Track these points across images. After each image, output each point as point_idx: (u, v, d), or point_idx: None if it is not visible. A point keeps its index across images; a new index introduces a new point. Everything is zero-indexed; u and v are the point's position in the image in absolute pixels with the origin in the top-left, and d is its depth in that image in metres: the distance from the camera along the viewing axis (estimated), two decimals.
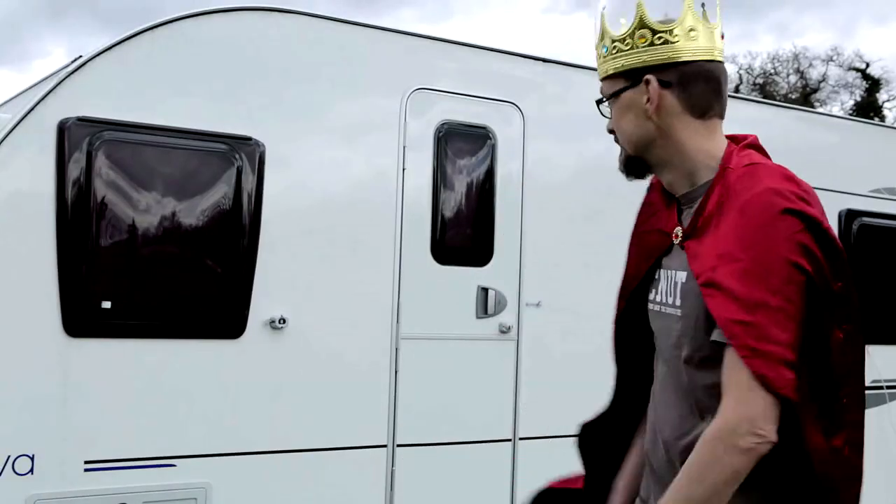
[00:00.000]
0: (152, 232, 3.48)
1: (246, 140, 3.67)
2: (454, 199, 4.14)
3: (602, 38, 1.89)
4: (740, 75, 33.20)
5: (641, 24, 1.82)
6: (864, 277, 5.40)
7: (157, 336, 3.50)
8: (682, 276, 1.81)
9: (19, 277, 3.28)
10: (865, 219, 5.43)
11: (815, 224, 1.66)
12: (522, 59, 4.39)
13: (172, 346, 3.53)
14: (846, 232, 5.35)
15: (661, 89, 1.83)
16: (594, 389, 4.48)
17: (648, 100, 1.83)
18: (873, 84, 31.52)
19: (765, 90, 31.59)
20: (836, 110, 30.23)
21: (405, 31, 4.10)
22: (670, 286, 1.86)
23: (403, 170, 4.01)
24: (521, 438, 4.20)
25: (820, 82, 32.58)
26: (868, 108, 30.11)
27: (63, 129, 3.34)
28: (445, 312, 4.09)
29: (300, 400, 3.75)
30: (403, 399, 3.97)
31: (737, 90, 30.73)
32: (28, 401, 3.29)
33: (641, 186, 3.77)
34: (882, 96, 31.67)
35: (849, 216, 5.37)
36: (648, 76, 1.81)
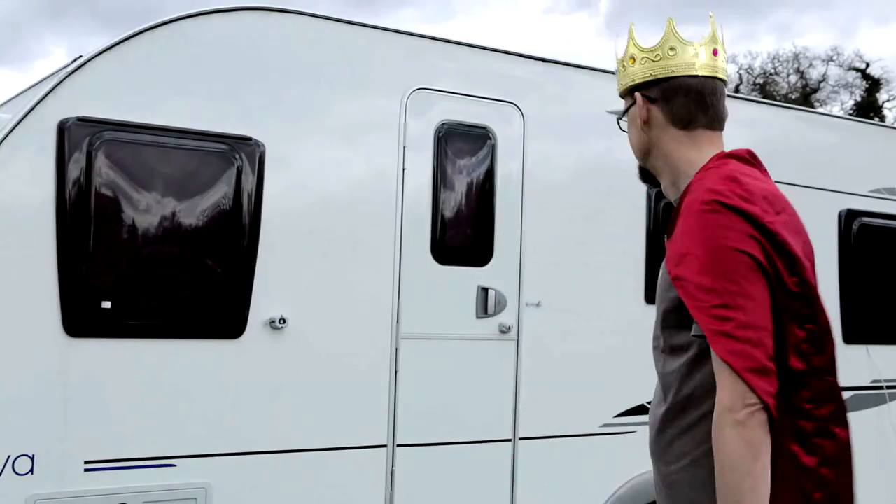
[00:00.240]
0: (152, 232, 3.48)
1: (246, 140, 3.67)
2: (454, 199, 4.14)
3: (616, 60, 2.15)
4: (740, 75, 33.20)
5: (631, 47, 2.08)
6: (864, 277, 5.40)
7: (157, 336, 3.50)
8: (664, 274, 1.96)
9: (19, 277, 3.28)
10: (865, 219, 5.43)
11: (753, 219, 1.80)
12: (522, 59, 4.39)
13: (172, 346, 3.53)
14: (846, 232, 5.35)
15: (648, 104, 2.09)
16: (594, 389, 4.51)
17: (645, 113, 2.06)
18: (873, 84, 31.52)
19: (765, 90, 31.59)
20: (836, 110, 30.24)
21: (405, 31, 4.10)
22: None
23: (403, 170, 4.01)
24: (521, 438, 4.20)
25: (820, 82, 32.59)
26: (868, 108, 30.11)
27: (63, 129, 3.34)
28: (445, 312, 4.09)
29: (300, 400, 3.75)
30: (403, 399, 3.97)
31: (737, 90, 30.73)
32: (28, 401, 3.29)
33: (640, 188, 3.82)
34: (882, 96, 31.68)
35: (849, 216, 5.37)
36: (637, 93, 2.10)
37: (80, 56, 3.49)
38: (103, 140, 3.39)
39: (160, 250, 3.51)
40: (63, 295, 3.32)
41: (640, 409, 4.41)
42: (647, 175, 2.26)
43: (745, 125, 5.08)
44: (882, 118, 29.53)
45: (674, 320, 1.92)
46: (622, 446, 4.38)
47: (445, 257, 4.09)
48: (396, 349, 3.96)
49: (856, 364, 5.37)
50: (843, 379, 5.66)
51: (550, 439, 4.28)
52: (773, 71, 33.38)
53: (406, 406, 3.97)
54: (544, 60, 4.44)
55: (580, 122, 4.52)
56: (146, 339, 3.48)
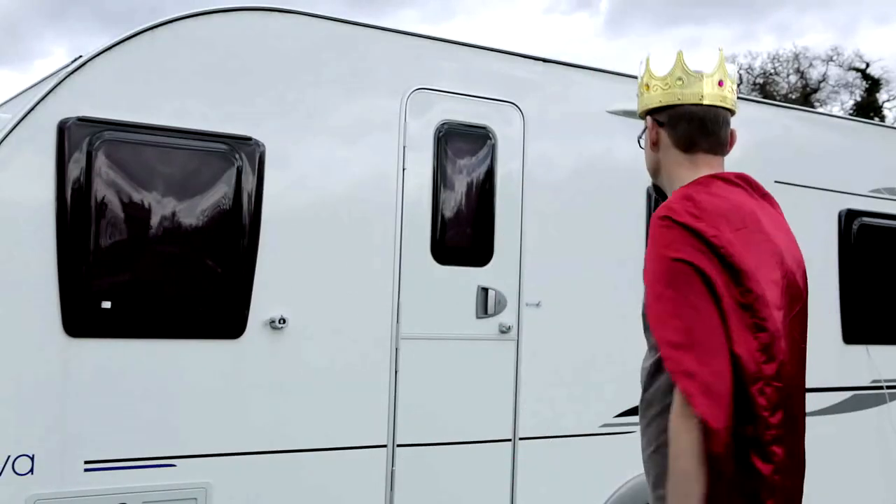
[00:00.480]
0: (152, 232, 3.48)
1: (246, 140, 3.67)
2: (454, 199, 4.14)
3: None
4: (740, 75, 33.21)
5: (647, 75, 2.29)
6: (864, 277, 5.41)
7: (157, 336, 3.50)
8: None
9: (19, 277, 3.28)
10: (865, 219, 5.43)
11: (699, 234, 1.99)
12: (522, 59, 4.39)
13: (172, 346, 3.53)
14: (846, 232, 5.35)
15: (657, 127, 2.26)
16: (594, 389, 4.50)
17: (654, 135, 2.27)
18: (873, 84, 31.52)
19: (765, 90, 31.59)
20: (836, 110, 30.24)
21: (405, 31, 4.10)
22: None
23: (403, 170, 4.01)
24: (521, 438, 4.20)
25: (820, 82, 32.59)
26: (868, 108, 30.11)
27: (63, 129, 3.34)
28: (445, 312, 4.09)
29: (300, 400, 3.75)
30: (403, 399, 3.97)
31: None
32: (28, 401, 3.29)
33: (640, 188, 3.83)
34: (882, 96, 31.67)
35: (849, 216, 5.37)
36: (648, 116, 2.28)
37: (80, 56, 3.49)
38: (103, 140, 3.40)
39: (160, 250, 3.50)
40: (63, 295, 3.32)
41: None
42: (659, 190, 2.43)
43: (745, 125, 5.08)
44: (882, 118, 29.53)
45: (645, 322, 2.11)
46: (622, 446, 4.37)
47: (445, 257, 4.09)
48: (396, 349, 3.96)
49: (856, 364, 5.37)
50: (844, 379, 5.66)
51: (550, 439, 4.28)
52: (773, 71, 33.39)
53: (406, 406, 3.97)
54: (544, 60, 4.45)
55: (580, 122, 4.52)
56: (146, 339, 3.48)
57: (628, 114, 4.63)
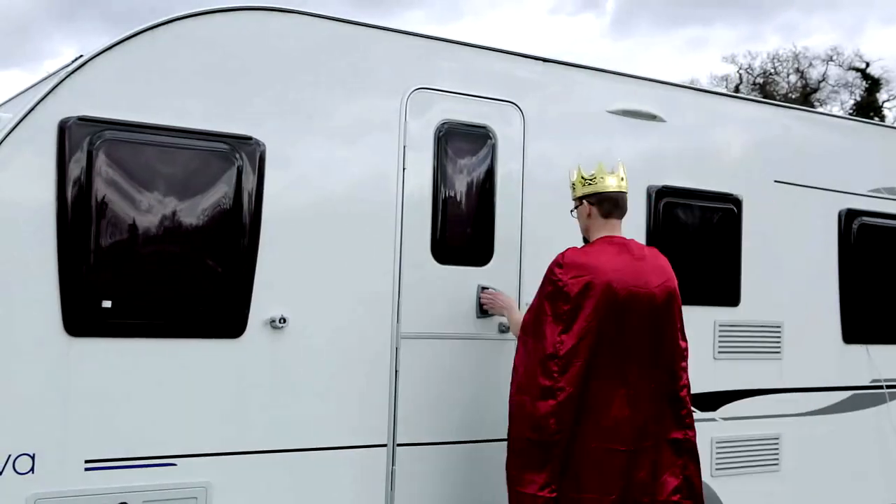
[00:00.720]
0: (153, 231, 3.48)
1: (246, 140, 3.67)
2: (454, 199, 4.14)
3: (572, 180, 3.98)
4: (740, 75, 33.22)
5: (580, 175, 3.93)
6: (864, 277, 5.41)
7: (157, 336, 3.50)
8: None
9: (20, 277, 3.28)
10: (865, 219, 5.43)
11: (556, 277, 3.72)
12: (523, 58, 4.39)
13: (172, 346, 3.53)
14: (846, 232, 5.36)
15: (590, 206, 3.89)
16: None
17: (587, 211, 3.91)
18: (873, 84, 31.51)
19: (765, 90, 31.59)
20: (836, 110, 30.24)
21: (405, 31, 4.11)
22: None
23: (403, 169, 4.01)
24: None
25: (820, 82, 32.59)
26: (868, 108, 30.11)
27: (63, 128, 3.34)
28: (445, 312, 4.09)
29: (300, 399, 3.76)
30: (403, 399, 3.97)
31: (737, 90, 30.75)
32: (28, 400, 3.29)
33: (640, 187, 3.83)
34: (882, 96, 31.67)
35: (849, 216, 5.37)
36: (584, 199, 3.91)
37: (81, 56, 3.49)
38: (104, 140, 3.40)
39: (160, 250, 3.51)
40: (63, 294, 3.32)
41: None
42: (585, 241, 3.96)
43: (745, 125, 5.09)
44: (882, 118, 29.53)
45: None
46: None
47: (445, 257, 4.10)
48: (396, 349, 3.96)
49: (856, 364, 5.38)
50: (843, 379, 5.67)
51: None
52: (773, 71, 33.39)
53: (406, 406, 3.98)
54: (544, 60, 4.45)
55: (580, 122, 4.52)
56: (146, 339, 3.48)
57: (628, 114, 4.64)
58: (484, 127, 4.22)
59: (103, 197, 3.39)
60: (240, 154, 3.65)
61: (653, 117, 4.72)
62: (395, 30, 4.08)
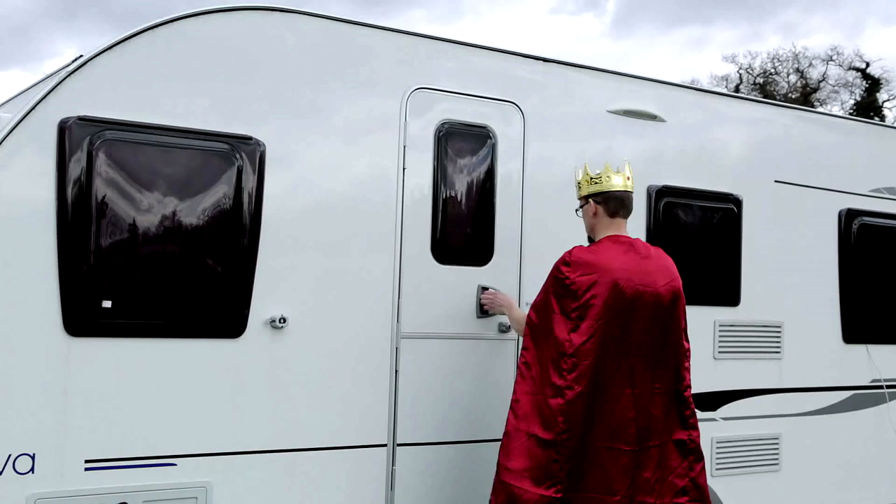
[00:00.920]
0: (153, 231, 3.49)
1: (246, 140, 3.67)
2: (454, 199, 4.14)
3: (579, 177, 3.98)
4: (740, 75, 33.22)
5: (585, 174, 3.93)
6: (864, 277, 5.41)
7: (157, 336, 3.50)
8: None
9: (20, 276, 3.29)
10: (865, 219, 5.43)
11: (562, 274, 3.70)
12: (523, 58, 4.39)
13: (172, 346, 3.53)
14: (846, 232, 5.36)
15: (595, 205, 3.88)
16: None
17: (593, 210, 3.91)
18: (873, 84, 31.51)
19: (765, 90, 31.59)
20: (836, 110, 30.24)
21: (405, 31, 4.10)
22: None
23: (404, 169, 4.01)
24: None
25: (820, 82, 32.59)
26: (868, 108, 30.11)
27: (63, 128, 3.35)
28: (445, 312, 4.09)
29: (300, 399, 3.76)
30: (403, 398, 3.97)
31: (737, 90, 30.74)
32: (28, 400, 3.29)
33: (640, 187, 3.83)
34: (882, 96, 31.66)
35: (849, 216, 5.37)
36: (590, 199, 3.90)
37: (81, 56, 3.49)
38: (104, 139, 3.40)
39: (161, 250, 3.51)
40: (64, 294, 3.32)
41: None
42: (590, 242, 3.94)
43: (745, 125, 5.09)
44: (882, 118, 29.53)
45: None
46: None
47: (445, 257, 4.10)
48: (397, 348, 3.96)
49: (856, 364, 5.38)
50: (844, 379, 5.68)
51: None
52: (773, 71, 33.39)
53: (406, 405, 3.98)
54: (545, 60, 4.45)
55: (580, 122, 4.52)
56: (146, 339, 3.48)
57: (628, 113, 4.64)
58: (484, 127, 4.22)
59: (103, 197, 3.39)
60: (240, 154, 3.65)
61: (653, 117, 4.72)
62: (395, 29, 4.08)
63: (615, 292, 3.64)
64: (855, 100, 31.67)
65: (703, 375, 4.75)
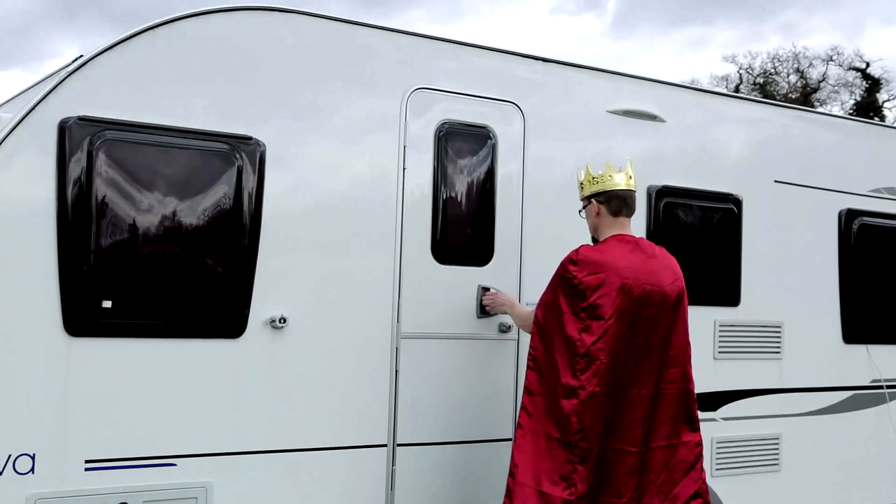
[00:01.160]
0: (153, 231, 3.48)
1: (246, 140, 3.67)
2: (454, 199, 4.14)
3: (580, 178, 3.98)
4: (740, 75, 33.21)
5: (588, 174, 3.92)
6: (864, 277, 5.41)
7: (157, 336, 3.50)
8: None
9: (20, 277, 3.28)
10: (865, 219, 5.43)
11: (569, 272, 3.69)
12: (523, 58, 4.39)
13: (172, 346, 3.53)
14: (846, 232, 5.35)
15: (598, 205, 3.88)
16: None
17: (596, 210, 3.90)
18: (873, 84, 31.50)
19: (765, 90, 31.59)
20: (836, 110, 30.23)
21: (405, 31, 4.10)
22: None
23: (404, 169, 4.01)
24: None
25: (820, 82, 32.59)
26: (868, 108, 30.11)
27: (64, 128, 3.34)
28: (445, 312, 4.09)
29: (300, 400, 3.76)
30: (403, 399, 3.97)
31: (737, 90, 30.74)
32: (28, 400, 3.29)
33: (640, 187, 3.81)
34: (882, 96, 31.66)
35: (849, 216, 5.37)
36: (592, 198, 3.90)
37: (81, 56, 3.49)
38: (104, 140, 3.40)
39: (161, 250, 3.51)
40: (64, 294, 3.32)
41: None
42: (594, 241, 3.94)
43: (745, 125, 5.09)
44: (882, 118, 29.53)
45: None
46: None
47: (446, 257, 4.10)
48: (397, 348, 3.96)
49: (856, 364, 5.38)
50: (844, 379, 5.68)
51: None
52: (773, 71, 33.39)
53: (406, 406, 3.98)
54: (544, 60, 4.45)
55: (580, 122, 4.52)
56: (146, 339, 3.48)
57: (628, 113, 4.64)
58: (484, 127, 4.22)
59: (103, 197, 3.39)
60: (240, 154, 3.65)
61: (653, 117, 4.72)
62: (395, 30, 4.08)
63: (624, 291, 3.63)
64: (855, 100, 31.67)
65: (704, 375, 4.74)
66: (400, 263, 3.98)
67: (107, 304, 3.39)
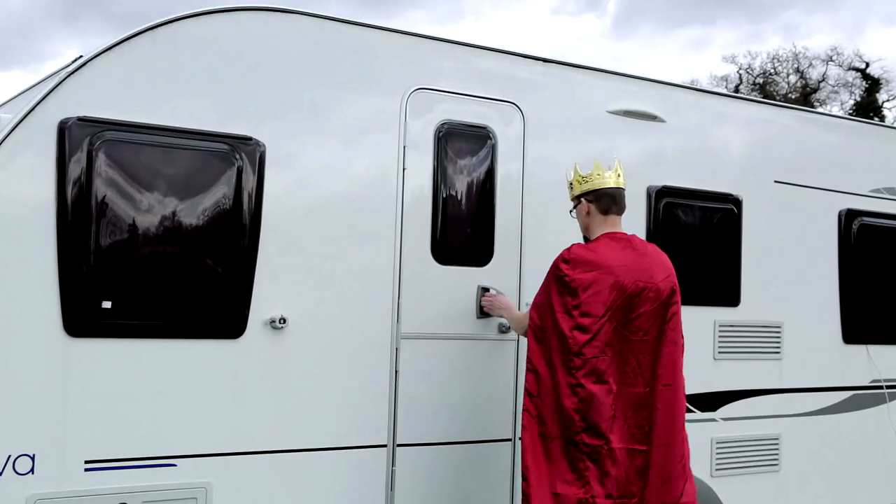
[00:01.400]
0: (153, 232, 3.48)
1: (246, 140, 3.67)
2: (454, 199, 4.14)
3: (570, 178, 3.99)
4: (740, 75, 33.21)
5: (577, 174, 3.95)
6: (864, 277, 5.41)
7: (157, 336, 3.50)
8: None
9: (20, 277, 3.28)
10: (865, 219, 5.43)
11: (560, 271, 3.71)
12: (523, 58, 4.39)
13: (172, 346, 3.53)
14: (846, 232, 5.36)
15: (588, 204, 3.90)
16: None
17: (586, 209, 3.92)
18: (873, 84, 31.50)
19: (765, 90, 31.59)
20: (836, 110, 30.23)
21: (405, 31, 4.10)
22: None
23: (404, 170, 4.01)
24: (521, 438, 4.20)
25: (820, 82, 32.58)
26: (868, 108, 30.11)
27: (63, 129, 3.34)
28: (445, 312, 4.09)
29: (300, 400, 3.76)
30: (403, 399, 3.97)
31: (737, 90, 30.74)
32: (28, 400, 3.29)
33: (640, 186, 3.82)
34: (882, 96, 31.65)
35: (849, 216, 5.37)
36: (582, 198, 3.92)
37: (81, 56, 3.49)
38: (104, 140, 3.40)
39: (160, 250, 3.51)
40: (63, 295, 3.32)
41: None
42: (585, 240, 3.94)
43: (745, 125, 5.09)
44: (882, 118, 29.53)
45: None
46: None
47: (445, 257, 4.10)
48: (396, 349, 3.96)
49: (856, 364, 5.38)
50: (844, 379, 5.68)
51: None
52: (773, 71, 33.39)
53: (406, 406, 3.98)
54: (544, 60, 4.45)
55: (580, 122, 4.53)
56: (146, 339, 3.48)
57: (628, 114, 4.64)
58: (484, 127, 4.22)
59: (103, 197, 3.39)
60: (240, 154, 3.65)
61: (653, 117, 4.72)
62: (395, 30, 4.08)
63: (617, 288, 3.64)
64: (855, 100, 31.67)
65: (703, 376, 4.75)
66: (400, 263, 3.98)
67: (107, 304, 3.39)
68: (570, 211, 4.00)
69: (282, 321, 3.70)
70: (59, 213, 3.33)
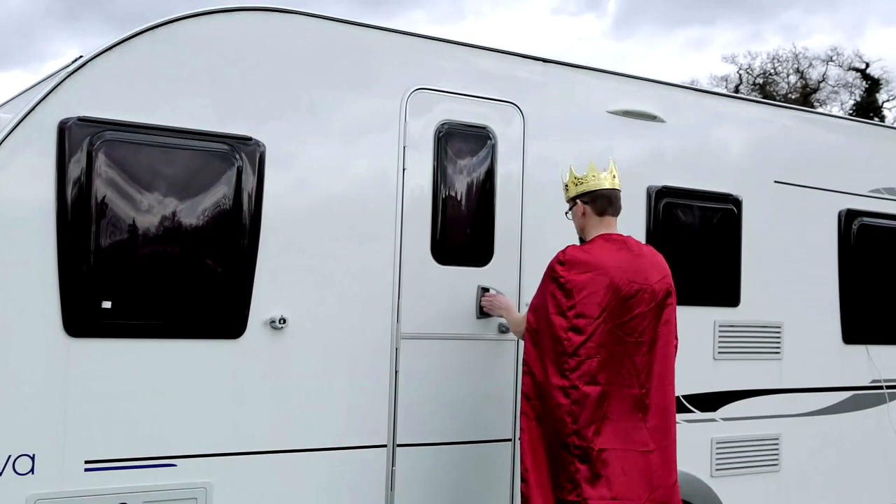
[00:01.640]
0: (153, 232, 3.49)
1: (246, 140, 3.67)
2: (454, 200, 4.14)
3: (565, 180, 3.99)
4: (740, 75, 33.22)
5: (572, 176, 3.93)
6: (864, 277, 5.41)
7: (157, 336, 3.50)
8: None
9: (19, 277, 3.28)
10: (865, 219, 5.43)
11: (556, 273, 3.69)
12: (522, 59, 4.39)
13: (172, 346, 3.53)
14: (846, 232, 5.36)
15: (584, 205, 3.88)
16: None
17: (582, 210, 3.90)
18: (873, 84, 31.51)
19: (765, 90, 31.59)
20: (836, 110, 30.23)
21: (405, 31, 4.11)
22: None
23: (404, 170, 4.01)
24: (520, 440, 4.20)
25: (820, 82, 32.59)
26: (868, 108, 30.11)
27: (63, 129, 3.34)
28: (445, 312, 4.09)
29: (300, 400, 3.76)
30: (403, 399, 3.97)
31: (737, 90, 30.74)
32: (28, 400, 3.29)
33: (640, 186, 3.81)
34: (882, 96, 31.66)
35: (849, 216, 5.37)
36: (578, 199, 3.90)
37: (81, 56, 3.49)
38: (104, 140, 3.40)
39: (160, 250, 3.51)
40: (63, 295, 3.32)
41: None
42: (581, 242, 3.92)
43: (745, 125, 5.09)
44: (882, 118, 29.53)
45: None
46: None
47: (445, 257, 4.10)
48: (396, 349, 3.96)
49: (856, 364, 5.38)
50: (844, 379, 5.69)
51: None
52: (773, 71, 33.40)
53: (406, 406, 3.98)
54: (544, 60, 4.45)
55: (580, 122, 4.53)
56: (146, 339, 3.48)
57: (628, 114, 4.64)
58: (484, 127, 4.22)
59: (103, 197, 3.39)
60: (240, 154, 3.65)
61: (653, 117, 4.72)
62: (394, 30, 4.08)
63: (612, 290, 3.63)
64: (855, 100, 31.67)
65: (703, 376, 4.75)
66: (400, 264, 3.98)
67: (106, 304, 3.39)
68: (566, 213, 3.99)
69: (282, 321, 3.70)
70: (58, 213, 3.33)
